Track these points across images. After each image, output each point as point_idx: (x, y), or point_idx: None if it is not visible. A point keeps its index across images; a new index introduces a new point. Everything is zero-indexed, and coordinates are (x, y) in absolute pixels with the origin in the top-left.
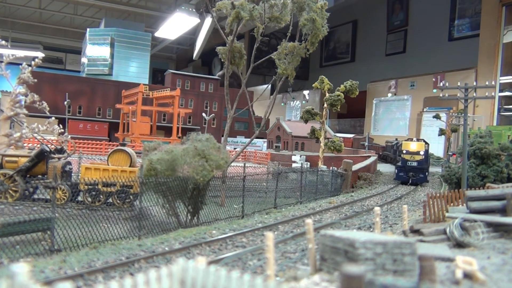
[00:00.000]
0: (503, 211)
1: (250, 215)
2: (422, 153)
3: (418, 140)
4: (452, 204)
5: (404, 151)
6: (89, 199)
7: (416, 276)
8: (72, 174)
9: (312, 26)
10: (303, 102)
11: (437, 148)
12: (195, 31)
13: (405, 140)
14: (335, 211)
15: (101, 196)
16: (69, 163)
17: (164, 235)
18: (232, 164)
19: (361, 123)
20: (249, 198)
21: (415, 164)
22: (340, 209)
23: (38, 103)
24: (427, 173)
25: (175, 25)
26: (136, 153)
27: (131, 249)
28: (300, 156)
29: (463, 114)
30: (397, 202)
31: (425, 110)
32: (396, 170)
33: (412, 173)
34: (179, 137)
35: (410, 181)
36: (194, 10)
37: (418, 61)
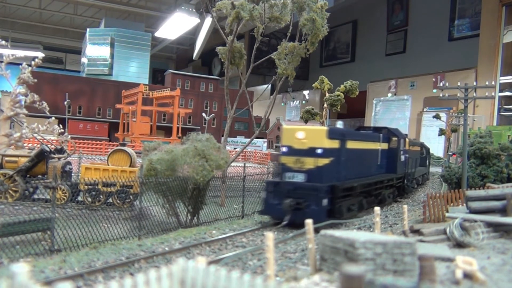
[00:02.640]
0: (503, 211)
1: (250, 215)
2: (320, 152)
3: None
4: (452, 204)
5: (284, 149)
6: (89, 199)
7: (416, 276)
8: (72, 174)
9: (312, 26)
10: (303, 102)
11: (437, 148)
12: (195, 31)
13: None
14: None
15: (101, 196)
16: (69, 163)
17: (164, 235)
18: (232, 164)
19: (361, 123)
20: (249, 198)
21: (300, 178)
22: None
23: (38, 103)
24: (325, 201)
25: (175, 25)
26: (136, 153)
27: (131, 249)
28: None
29: (463, 114)
30: (397, 202)
31: (425, 110)
32: (264, 193)
33: (292, 200)
34: (179, 137)
35: (286, 219)
36: (194, 10)
37: (418, 61)
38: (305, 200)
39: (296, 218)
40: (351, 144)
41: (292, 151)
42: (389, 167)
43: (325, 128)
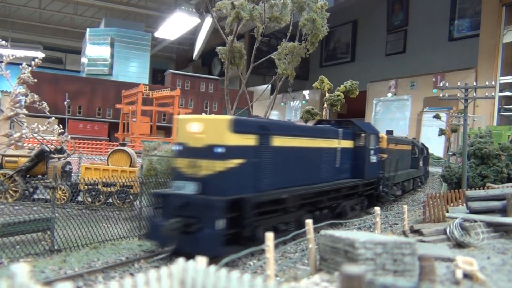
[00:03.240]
0: (503, 211)
1: None
2: (220, 151)
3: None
4: (452, 204)
5: (177, 147)
6: (89, 199)
7: (416, 276)
8: (72, 174)
9: (312, 26)
10: (303, 102)
11: (437, 148)
12: (195, 31)
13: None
14: None
15: (101, 196)
16: (69, 163)
17: None
18: None
19: None
20: None
21: (192, 188)
22: None
23: (38, 103)
24: (220, 222)
25: (175, 25)
26: (136, 153)
27: (131, 249)
28: None
29: (463, 114)
30: (397, 202)
31: (425, 110)
32: (150, 209)
33: (178, 221)
34: None
35: (169, 248)
36: (194, 10)
37: (418, 61)
38: (199, 220)
39: (185, 246)
40: (281, 141)
41: (186, 151)
42: (354, 171)
43: (227, 117)
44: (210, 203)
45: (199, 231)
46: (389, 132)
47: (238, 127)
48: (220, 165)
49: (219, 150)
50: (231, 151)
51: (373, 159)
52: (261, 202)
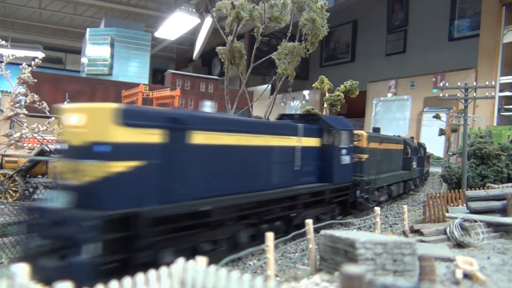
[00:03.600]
0: (503, 211)
1: None
2: (104, 150)
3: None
4: (452, 204)
5: (62, 147)
6: None
7: (416, 276)
8: None
9: (312, 26)
10: (303, 102)
11: (437, 148)
12: (195, 31)
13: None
14: None
15: None
16: None
17: None
18: None
19: (361, 123)
20: None
21: (64, 200)
22: None
23: (38, 103)
24: (90, 248)
25: (175, 25)
26: None
27: None
28: None
29: (463, 114)
30: (397, 202)
31: (425, 110)
32: (22, 228)
33: (44, 243)
34: None
35: (38, 276)
36: (194, 10)
37: (418, 61)
38: (70, 243)
39: (53, 278)
40: (206, 138)
41: (66, 151)
42: (321, 174)
43: (113, 105)
44: (76, 220)
45: (65, 259)
46: (376, 130)
47: (131, 119)
48: (102, 169)
49: (102, 148)
50: (120, 150)
51: (346, 159)
52: (168, 217)
